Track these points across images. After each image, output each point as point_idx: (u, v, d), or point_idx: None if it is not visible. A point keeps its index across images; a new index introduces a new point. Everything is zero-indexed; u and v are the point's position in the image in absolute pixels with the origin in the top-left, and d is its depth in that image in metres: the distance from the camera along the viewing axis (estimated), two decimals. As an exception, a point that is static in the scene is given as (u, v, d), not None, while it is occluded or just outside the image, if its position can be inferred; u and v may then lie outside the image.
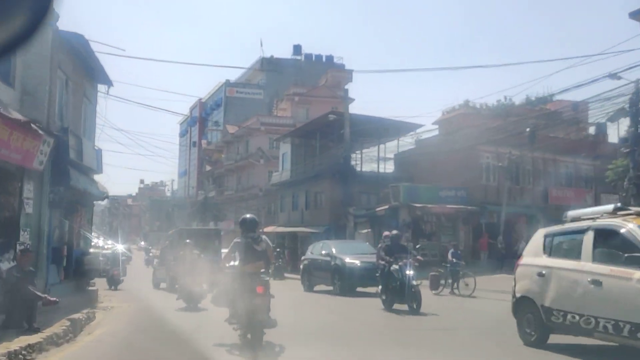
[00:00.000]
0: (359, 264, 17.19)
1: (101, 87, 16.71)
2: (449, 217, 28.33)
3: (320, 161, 34.82)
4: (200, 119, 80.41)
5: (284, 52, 79.61)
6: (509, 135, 27.03)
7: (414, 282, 12.70)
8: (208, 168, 65.48)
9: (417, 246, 17.03)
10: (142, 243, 70.97)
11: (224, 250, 13.44)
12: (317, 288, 19.23)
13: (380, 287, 13.67)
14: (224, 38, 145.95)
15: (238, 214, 56.56)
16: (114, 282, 20.16)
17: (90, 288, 15.98)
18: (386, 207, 27.77)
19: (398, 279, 12.87)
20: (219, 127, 68.83)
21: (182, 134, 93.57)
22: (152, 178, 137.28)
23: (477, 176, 28.94)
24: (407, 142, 35.57)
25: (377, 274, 13.93)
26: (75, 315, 10.20)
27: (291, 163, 39.67)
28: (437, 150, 29.69)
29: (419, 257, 14.23)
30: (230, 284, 8.36)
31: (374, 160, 36.17)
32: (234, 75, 75.41)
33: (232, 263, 8.59)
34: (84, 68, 14.68)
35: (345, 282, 17.36)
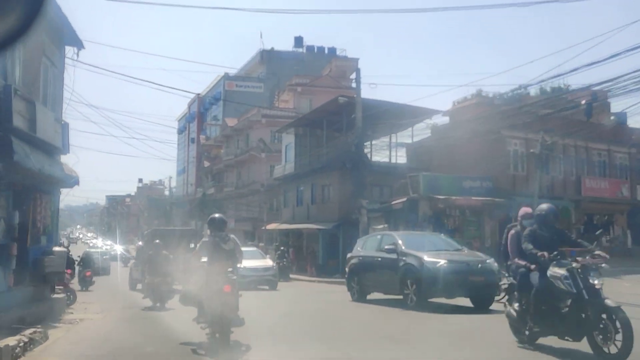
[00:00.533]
0: (445, 265, 12.19)
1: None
2: (474, 210, 25.18)
3: (327, 151, 31.65)
4: (198, 114, 77.22)
5: (285, 44, 76.43)
6: (531, 122, 23.94)
7: (610, 302, 6.49)
8: (207, 164, 62.29)
9: (598, 231, 7.80)
10: (140, 243, 68.06)
11: None
12: (371, 296, 14.47)
13: (514, 305, 7.74)
14: (223, 31, 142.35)
15: (238, 211, 53.45)
16: (85, 284, 20.73)
17: (56, 295, 12.86)
18: (404, 199, 24.60)
19: (569, 295, 6.77)
20: (217, 122, 65.66)
21: (181, 131, 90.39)
22: (151, 177, 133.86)
23: (503, 165, 25.79)
24: (419, 131, 32.37)
25: (505, 283, 8.47)
26: (6, 340, 7.09)
27: (295, 155, 36.50)
28: (457, 136, 26.53)
29: (599, 252, 7.00)
30: (198, 283, 8.23)
31: (385, 150, 33.04)
32: (233, 69, 72.25)
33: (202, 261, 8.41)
34: (46, 20, 11.52)
35: (424, 290, 12.16)
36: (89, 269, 21.84)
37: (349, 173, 28.08)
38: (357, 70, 24.75)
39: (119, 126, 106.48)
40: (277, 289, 21.29)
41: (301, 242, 34.82)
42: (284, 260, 29.94)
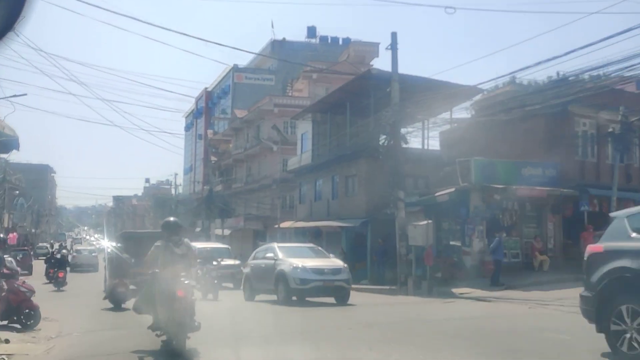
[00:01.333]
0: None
1: None
2: (535, 203, 20.47)
3: (352, 137, 27.06)
4: (206, 109, 72.86)
5: (297, 34, 71.85)
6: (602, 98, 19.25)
7: None
8: (214, 160, 57.84)
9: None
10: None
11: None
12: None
13: None
14: (232, 21, 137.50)
15: (248, 208, 48.92)
16: (58, 284, 22.00)
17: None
18: (451, 190, 19.91)
19: None
20: (226, 116, 61.23)
21: (188, 128, 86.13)
22: (159, 176, 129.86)
23: (570, 149, 21.05)
24: (456, 114, 27.60)
25: None
26: None
27: (312, 144, 31.93)
28: (506, 117, 21.84)
29: None
30: (150, 289, 8.11)
31: (415, 137, 28.33)
32: (243, 61, 67.79)
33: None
34: None
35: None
36: (63, 269, 23.17)
37: (379, 161, 23.47)
38: (393, 35, 20.11)
39: (127, 117, 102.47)
40: (350, 302, 15.46)
41: (320, 242, 30.17)
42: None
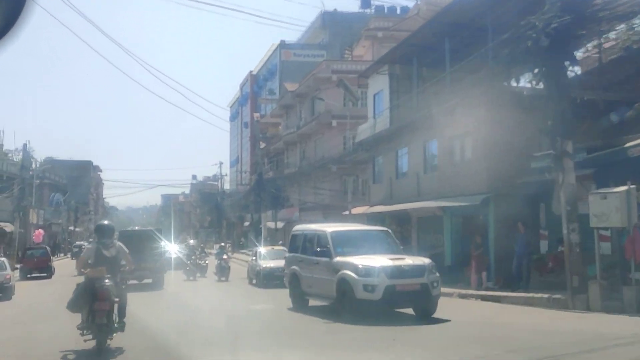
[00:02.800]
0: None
1: None
2: None
3: (454, 82, 18.92)
4: (251, 94, 65.83)
5: (350, 5, 64.01)
6: None
7: None
8: (262, 145, 50.56)
9: None
10: (192, 241, 58.03)
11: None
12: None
13: None
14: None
15: (303, 196, 41.48)
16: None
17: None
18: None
19: None
20: (274, 97, 53.91)
21: (233, 118, 79.47)
22: (205, 172, 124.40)
23: None
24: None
25: None
26: None
27: (390, 103, 23.98)
28: None
29: None
30: (80, 289, 8.10)
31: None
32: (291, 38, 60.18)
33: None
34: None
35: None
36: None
37: (509, 107, 15.40)
38: None
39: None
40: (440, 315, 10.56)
41: (407, 231, 22.20)
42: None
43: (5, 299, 18.81)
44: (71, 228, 58.04)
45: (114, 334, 7.91)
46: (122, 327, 8.02)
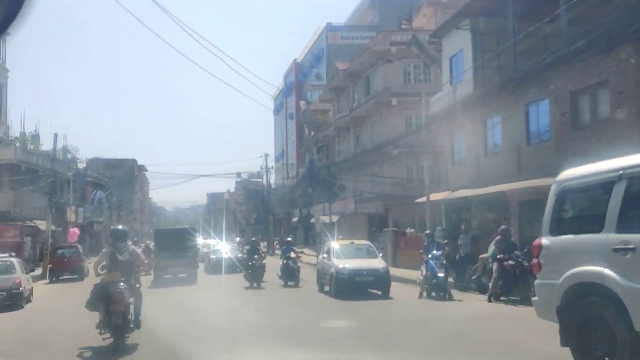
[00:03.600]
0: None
1: None
2: None
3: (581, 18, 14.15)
4: (296, 83, 61.83)
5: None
6: None
7: None
8: (311, 133, 46.43)
9: None
10: (238, 239, 54.77)
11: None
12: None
13: None
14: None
15: (359, 184, 37.03)
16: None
17: None
18: None
19: None
20: (321, 82, 49.72)
21: (277, 111, 75.80)
22: (249, 169, 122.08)
23: None
24: None
25: None
26: None
27: (474, 65, 19.32)
28: None
29: None
30: (97, 290, 8.42)
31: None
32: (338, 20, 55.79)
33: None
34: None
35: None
36: None
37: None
38: None
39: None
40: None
41: (504, 219, 17.49)
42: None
43: (15, 307, 15.22)
44: (117, 226, 55.46)
45: (130, 333, 8.23)
46: (137, 325, 8.45)
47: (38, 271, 27.77)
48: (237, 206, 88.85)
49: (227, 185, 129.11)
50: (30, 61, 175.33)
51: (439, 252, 13.84)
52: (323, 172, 33.50)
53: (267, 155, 50.98)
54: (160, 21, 29.55)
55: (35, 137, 39.90)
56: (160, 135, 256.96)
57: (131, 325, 8.29)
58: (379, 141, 32.15)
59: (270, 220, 50.04)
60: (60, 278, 25.51)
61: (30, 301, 17.21)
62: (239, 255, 23.43)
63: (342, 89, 38.31)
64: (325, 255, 16.04)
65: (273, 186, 63.13)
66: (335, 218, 33.79)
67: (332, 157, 40.04)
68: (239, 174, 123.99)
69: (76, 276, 25.45)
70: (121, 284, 8.20)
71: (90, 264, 34.48)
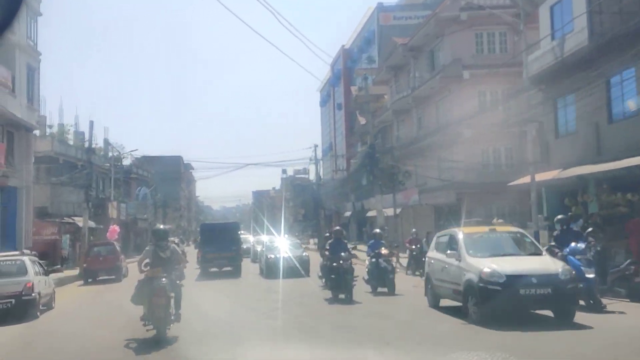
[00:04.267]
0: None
1: None
2: None
3: None
4: (345, 70, 58.12)
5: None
6: None
7: None
8: (363, 122, 42.62)
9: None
10: (286, 236, 51.61)
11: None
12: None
13: None
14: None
15: (425, 171, 32.93)
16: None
17: None
18: None
19: None
20: (373, 65, 45.82)
21: (323, 102, 72.33)
22: (295, 166, 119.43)
23: None
24: None
25: None
26: None
27: (588, 9, 15.10)
28: None
29: None
30: (141, 286, 8.95)
31: None
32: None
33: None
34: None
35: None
36: None
37: None
38: None
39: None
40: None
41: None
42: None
43: (27, 317, 12.14)
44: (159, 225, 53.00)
45: (171, 325, 8.69)
46: (178, 318, 8.89)
47: (77, 271, 25.25)
48: (286, 203, 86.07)
49: (272, 183, 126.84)
50: (71, 53, 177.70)
51: (582, 245, 9.85)
52: (384, 158, 29.58)
53: (316, 146, 47.56)
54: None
55: (78, 133, 37.56)
56: (206, 133, 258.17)
57: (172, 318, 8.73)
58: (445, 122, 28.09)
59: (322, 215, 46.55)
60: (98, 279, 22.74)
61: (53, 308, 14.21)
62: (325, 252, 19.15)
63: (401, 67, 34.34)
64: (448, 252, 10.19)
65: (319, 178, 59.65)
66: (398, 210, 29.90)
67: (391, 143, 36.11)
68: (284, 170, 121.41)
69: (113, 276, 22.58)
70: (163, 279, 8.72)
71: (130, 263, 31.78)
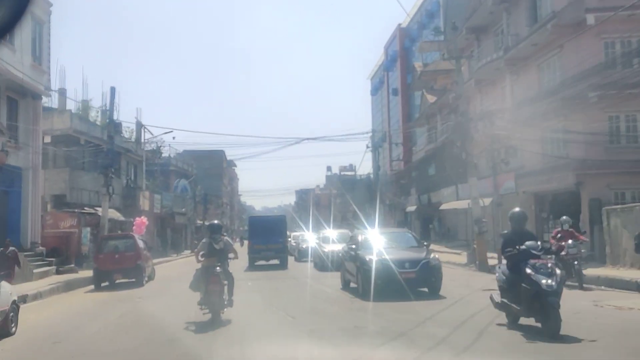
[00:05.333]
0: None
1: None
2: None
3: None
4: (401, 52, 51.67)
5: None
6: None
7: None
8: (431, 100, 36.11)
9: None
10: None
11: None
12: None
13: None
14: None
15: (529, 144, 25.69)
16: None
17: None
18: None
19: None
20: (439, 38, 39.21)
21: (375, 91, 66.05)
22: (342, 163, 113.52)
23: None
24: None
25: None
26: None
27: None
28: None
29: None
30: (198, 274, 9.69)
31: None
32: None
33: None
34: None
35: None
36: None
37: None
38: None
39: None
40: None
41: None
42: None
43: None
44: (199, 222, 47.67)
45: (225, 309, 9.38)
46: (230, 304, 9.64)
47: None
48: (333, 200, 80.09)
49: (316, 181, 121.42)
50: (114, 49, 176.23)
51: None
52: (461, 135, 23.04)
53: (374, 132, 41.24)
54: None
55: (104, 112, 32.39)
56: (249, 129, 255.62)
57: (225, 303, 9.43)
58: (552, 86, 21.49)
59: (381, 209, 40.23)
60: (116, 282, 17.25)
61: (12, 334, 8.62)
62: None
63: (485, 28, 27.82)
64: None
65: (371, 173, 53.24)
66: (487, 200, 23.40)
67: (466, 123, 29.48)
68: (329, 168, 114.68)
69: (133, 279, 16.98)
70: (217, 268, 9.46)
71: (162, 263, 26.06)
